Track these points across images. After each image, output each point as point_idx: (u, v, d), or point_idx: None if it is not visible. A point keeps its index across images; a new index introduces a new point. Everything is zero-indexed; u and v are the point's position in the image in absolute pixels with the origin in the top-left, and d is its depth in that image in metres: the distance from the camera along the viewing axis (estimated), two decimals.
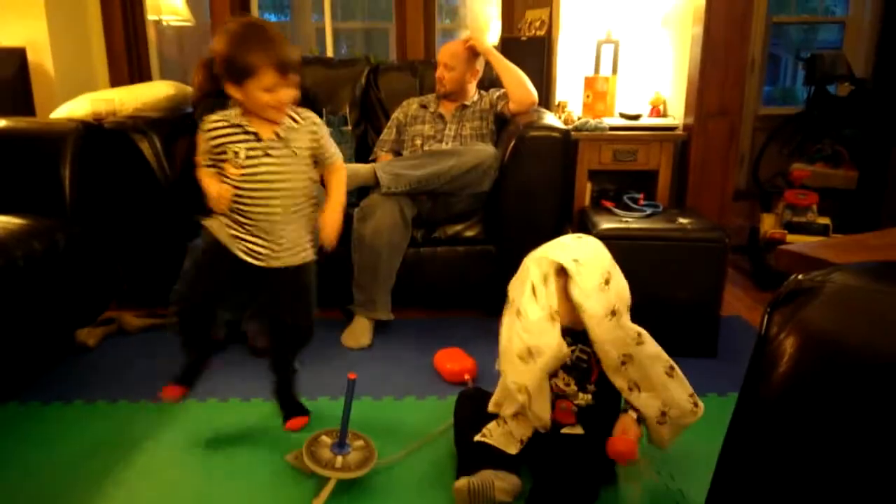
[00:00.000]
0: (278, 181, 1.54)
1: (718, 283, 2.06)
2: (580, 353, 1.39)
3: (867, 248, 1.32)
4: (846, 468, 0.69)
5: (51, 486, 1.45)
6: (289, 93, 1.49)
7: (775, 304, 0.82)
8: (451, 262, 2.35)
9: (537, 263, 1.35)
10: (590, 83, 2.87)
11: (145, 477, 1.49)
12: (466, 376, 1.90)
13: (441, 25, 4.04)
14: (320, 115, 2.58)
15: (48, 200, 2.02)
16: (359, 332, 2.19)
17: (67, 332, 2.10)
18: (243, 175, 1.51)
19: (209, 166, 1.55)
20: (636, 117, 2.76)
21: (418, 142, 2.55)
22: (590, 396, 1.40)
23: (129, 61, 3.20)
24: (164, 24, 3.54)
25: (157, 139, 2.28)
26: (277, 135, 1.54)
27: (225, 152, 1.52)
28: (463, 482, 1.28)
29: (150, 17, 3.31)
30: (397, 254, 2.23)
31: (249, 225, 1.55)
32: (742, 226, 3.12)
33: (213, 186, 1.52)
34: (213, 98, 2.45)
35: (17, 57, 2.82)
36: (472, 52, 2.51)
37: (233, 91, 1.49)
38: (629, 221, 2.17)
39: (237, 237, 1.56)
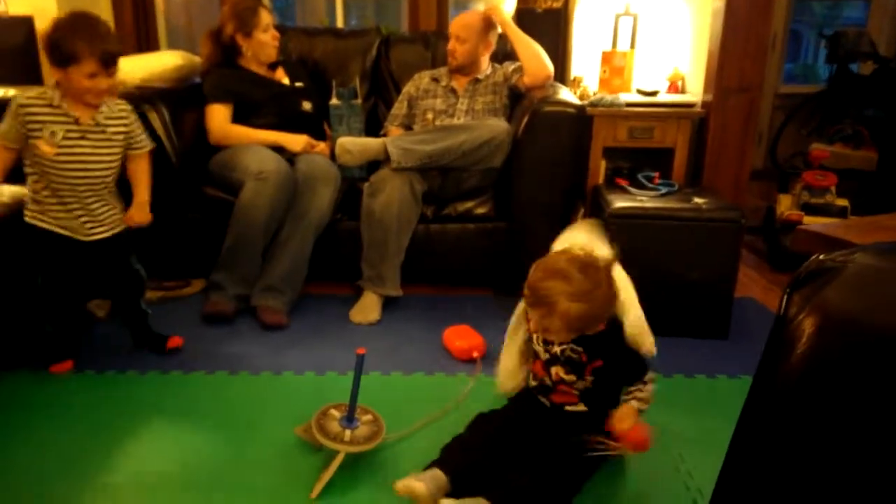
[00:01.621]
0: (91, 164, 1.69)
1: (732, 264, 2.03)
2: (570, 353, 1.38)
3: (887, 229, 1.29)
4: (865, 452, 0.68)
5: (59, 456, 1.46)
6: (108, 82, 1.64)
7: (795, 285, 0.79)
8: (462, 239, 2.33)
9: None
10: (607, 58, 2.81)
11: (154, 448, 1.50)
12: (475, 353, 1.89)
13: None
14: (330, 88, 2.58)
15: None
16: (368, 308, 2.18)
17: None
18: (58, 155, 1.64)
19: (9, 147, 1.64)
20: (654, 93, 2.70)
21: (430, 116, 2.51)
22: (589, 380, 1.39)
23: (136, 31, 3.17)
24: None
25: (165, 110, 2.26)
26: (96, 122, 1.69)
27: (40, 129, 1.62)
28: (419, 486, 1.23)
29: None
30: (407, 229, 2.21)
31: (64, 202, 1.69)
32: (758, 206, 3.07)
33: None
34: (222, 68, 2.44)
35: (24, 25, 2.80)
36: (488, 24, 2.45)
37: (55, 74, 1.61)
38: (643, 200, 2.13)
39: (57, 217, 1.70)
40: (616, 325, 1.40)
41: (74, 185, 1.69)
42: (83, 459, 1.45)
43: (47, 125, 1.63)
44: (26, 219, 1.71)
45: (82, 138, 1.67)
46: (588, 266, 1.29)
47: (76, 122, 1.66)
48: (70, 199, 1.70)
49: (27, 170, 1.69)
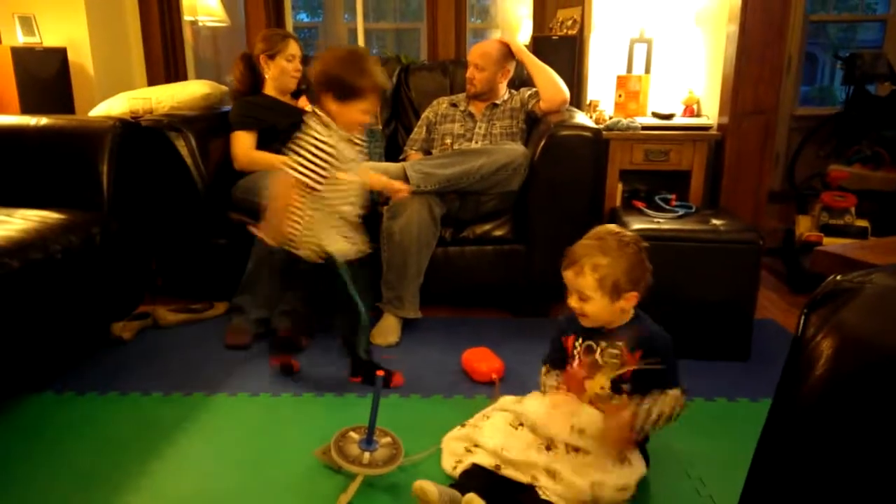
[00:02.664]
0: (360, 186, 1.80)
1: (752, 286, 2.02)
2: (611, 350, 1.38)
3: None
4: (886, 474, 0.67)
5: (78, 475, 1.48)
6: (372, 116, 1.75)
7: (813, 305, 0.79)
8: (480, 262, 2.34)
9: None
10: (622, 82, 2.83)
11: (175, 469, 1.52)
12: (494, 376, 1.89)
13: (472, 25, 4.04)
14: None
15: (86, 195, 2.07)
16: (387, 330, 2.20)
17: (103, 325, 2.14)
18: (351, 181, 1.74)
19: (320, 176, 1.69)
20: (669, 117, 2.72)
21: (448, 140, 2.55)
22: (625, 397, 1.39)
23: (165, 61, 3.27)
24: (200, 24, 3.61)
25: (192, 137, 2.32)
26: (358, 146, 1.77)
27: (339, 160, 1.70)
28: (431, 489, 1.26)
29: (187, 17, 3.38)
30: (426, 252, 2.24)
31: (345, 224, 1.77)
32: (777, 228, 3.06)
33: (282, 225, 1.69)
34: (247, 97, 2.50)
35: (58, 56, 2.90)
36: (505, 53, 2.50)
37: (331, 105, 1.68)
38: (661, 222, 2.14)
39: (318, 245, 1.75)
40: (644, 318, 1.42)
41: (355, 209, 1.79)
42: (104, 479, 1.47)
43: (345, 155, 1.72)
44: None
45: (357, 157, 1.79)
46: (617, 232, 1.39)
47: (355, 145, 1.76)
48: (347, 223, 1.79)
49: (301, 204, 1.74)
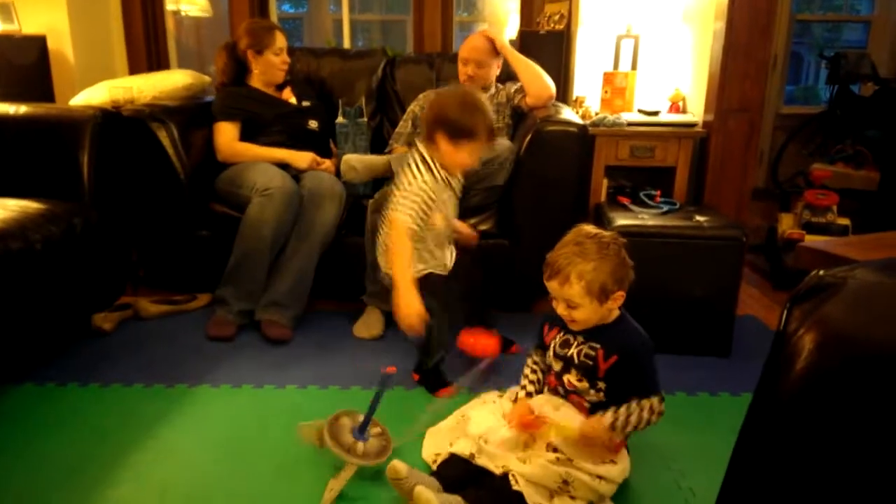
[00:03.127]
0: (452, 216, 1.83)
1: (734, 282, 2.04)
2: (588, 350, 1.39)
3: (890, 246, 1.30)
4: (865, 468, 0.68)
5: (61, 467, 1.47)
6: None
7: (795, 300, 0.80)
8: (464, 256, 2.33)
9: None
10: (609, 78, 2.84)
11: (157, 460, 1.50)
12: (488, 351, 1.85)
13: (459, 18, 4.03)
14: (336, 107, 2.62)
15: (66, 185, 2.04)
16: (371, 323, 2.19)
17: (84, 316, 2.12)
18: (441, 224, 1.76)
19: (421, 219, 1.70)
20: (655, 113, 2.73)
21: None
22: (602, 394, 1.40)
23: (147, 50, 3.22)
24: (183, 14, 3.56)
25: (174, 127, 2.29)
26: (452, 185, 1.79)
27: (437, 205, 1.73)
28: (402, 467, 1.29)
29: (169, 7, 3.33)
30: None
31: (434, 259, 1.79)
32: (760, 225, 3.09)
33: (417, 306, 1.65)
34: (231, 87, 2.48)
35: (38, 44, 2.85)
36: (494, 47, 2.49)
37: (442, 144, 1.69)
38: (645, 218, 2.15)
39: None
40: (627, 320, 1.42)
41: (443, 246, 1.81)
42: (85, 471, 1.45)
43: (445, 201, 1.76)
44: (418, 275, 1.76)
45: (452, 198, 1.80)
46: (595, 234, 1.37)
47: (452, 188, 1.78)
48: (442, 246, 1.82)
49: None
